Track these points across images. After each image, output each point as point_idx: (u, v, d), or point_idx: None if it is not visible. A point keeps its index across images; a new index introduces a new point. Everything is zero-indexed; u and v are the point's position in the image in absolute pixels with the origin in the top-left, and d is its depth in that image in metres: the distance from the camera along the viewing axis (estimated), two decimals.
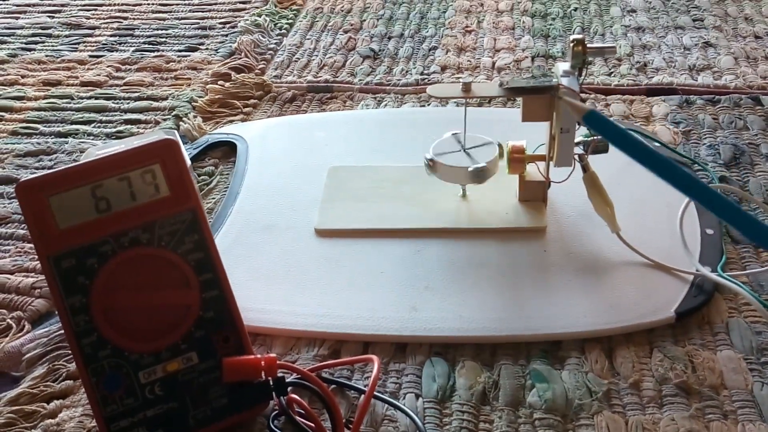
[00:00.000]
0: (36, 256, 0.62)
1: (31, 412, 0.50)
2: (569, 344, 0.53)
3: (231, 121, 0.83)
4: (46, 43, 1.03)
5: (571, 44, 0.57)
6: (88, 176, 0.46)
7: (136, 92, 0.89)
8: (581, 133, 0.60)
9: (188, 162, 0.51)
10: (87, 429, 0.49)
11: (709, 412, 0.48)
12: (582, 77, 0.58)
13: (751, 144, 0.73)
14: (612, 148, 0.60)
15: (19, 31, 1.07)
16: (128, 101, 0.87)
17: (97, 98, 0.88)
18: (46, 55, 0.99)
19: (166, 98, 0.87)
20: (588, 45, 0.57)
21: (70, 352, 0.53)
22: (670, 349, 0.52)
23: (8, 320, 0.58)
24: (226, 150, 0.77)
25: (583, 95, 0.58)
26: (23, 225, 0.68)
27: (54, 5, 1.15)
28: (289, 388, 0.48)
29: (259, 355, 0.47)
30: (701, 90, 0.83)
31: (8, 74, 0.95)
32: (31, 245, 0.65)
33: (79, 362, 0.45)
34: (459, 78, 0.88)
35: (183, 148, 0.49)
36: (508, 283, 0.57)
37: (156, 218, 0.46)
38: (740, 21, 0.97)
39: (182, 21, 1.08)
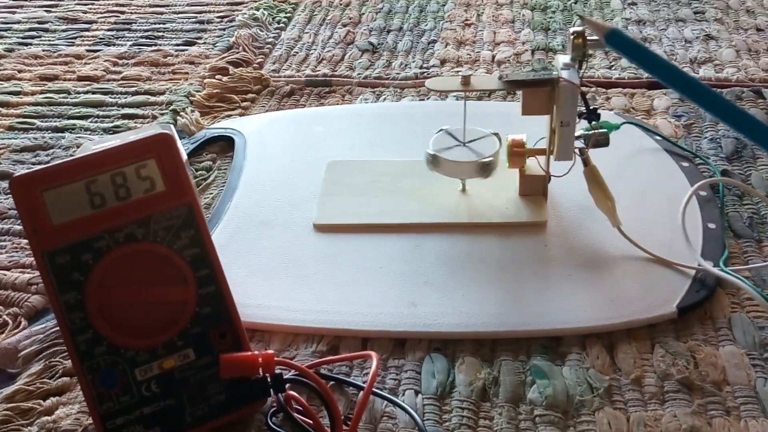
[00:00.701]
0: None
1: (27, 409, 0.50)
2: (570, 340, 0.52)
3: (229, 116, 0.82)
4: (43, 38, 1.02)
5: (572, 36, 0.56)
6: (83, 171, 0.45)
7: (133, 87, 0.89)
8: (582, 126, 0.59)
9: (184, 156, 0.51)
10: (83, 426, 0.48)
11: (712, 408, 0.47)
12: (582, 70, 0.57)
13: None
14: (612, 143, 0.60)
15: (15, 26, 1.06)
16: (125, 96, 0.87)
17: (94, 93, 0.88)
18: (43, 50, 0.99)
19: (163, 93, 0.87)
20: (588, 37, 0.56)
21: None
22: (672, 345, 0.52)
23: (4, 316, 0.58)
24: (224, 145, 0.77)
25: (584, 88, 0.57)
26: (20, 221, 0.67)
27: None
28: (287, 385, 0.48)
29: (256, 352, 0.47)
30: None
31: (5, 69, 0.94)
32: (27, 241, 0.65)
33: (74, 359, 0.44)
34: (458, 71, 0.87)
35: (179, 142, 0.48)
36: (508, 278, 0.57)
37: (151, 213, 0.46)
38: (742, 13, 0.97)
39: (180, 15, 1.07)
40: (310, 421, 0.46)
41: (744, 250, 0.59)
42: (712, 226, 0.60)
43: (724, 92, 0.79)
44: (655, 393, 0.48)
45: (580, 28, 0.56)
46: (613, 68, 0.86)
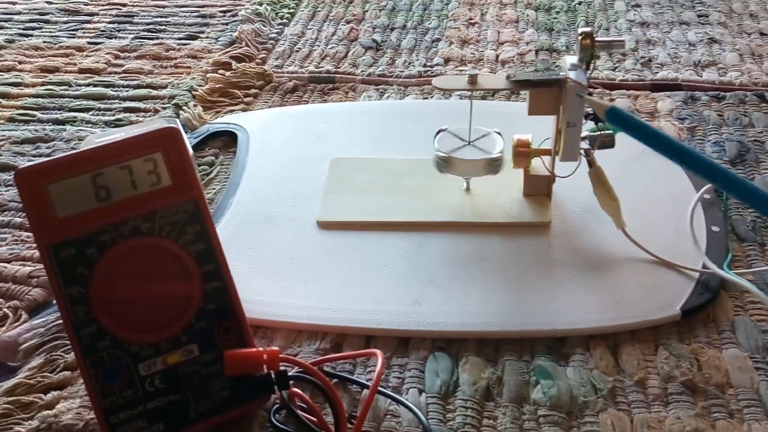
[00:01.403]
0: (34, 245, 0.61)
1: (28, 403, 0.50)
2: (574, 341, 0.52)
3: (231, 111, 0.82)
4: (44, 29, 1.02)
5: (580, 37, 0.56)
6: (89, 164, 0.45)
7: (135, 80, 0.88)
8: (587, 127, 0.59)
9: (190, 151, 0.50)
10: (85, 421, 0.48)
11: (715, 410, 0.47)
12: (590, 71, 0.57)
13: (756, 141, 0.73)
14: (618, 144, 0.60)
15: (16, 17, 1.06)
16: (127, 89, 0.86)
17: (95, 86, 0.87)
18: (44, 42, 0.98)
19: (165, 86, 0.86)
20: (596, 38, 0.56)
21: (67, 342, 0.52)
22: (676, 347, 0.52)
23: (5, 309, 0.57)
24: (227, 140, 0.76)
25: (590, 89, 0.57)
26: (21, 213, 0.67)
27: None
28: (291, 382, 0.48)
29: (260, 348, 0.46)
30: (706, 86, 0.82)
31: (5, 60, 0.93)
32: (29, 233, 0.64)
33: (77, 353, 0.44)
34: (462, 70, 0.87)
35: (185, 136, 0.48)
36: (512, 278, 0.57)
37: (157, 208, 0.45)
38: (745, 17, 0.97)
39: (182, 9, 1.07)
40: (314, 419, 0.46)
41: (747, 254, 0.59)
42: (715, 229, 0.60)
43: (728, 96, 0.79)
44: (659, 395, 0.49)
45: (588, 29, 0.56)
46: (617, 70, 0.86)
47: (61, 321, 0.52)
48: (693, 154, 0.44)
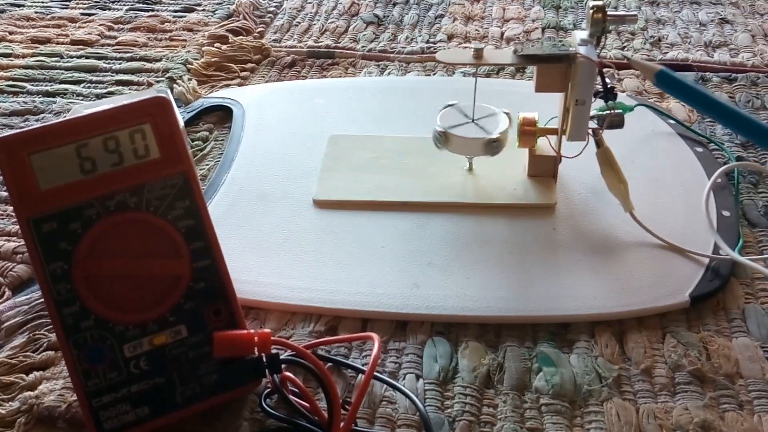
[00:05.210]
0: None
1: (9, 383, 0.48)
2: (578, 327, 0.50)
3: (227, 85, 0.79)
4: None
5: (591, 11, 0.54)
6: (73, 134, 0.42)
7: (128, 52, 0.85)
8: (596, 106, 0.57)
9: (181, 124, 0.48)
10: (67, 402, 0.46)
11: (724, 401, 0.45)
12: (601, 47, 0.55)
13: None
14: (627, 124, 0.58)
15: None
16: (120, 62, 0.84)
17: (87, 57, 0.85)
18: (36, 12, 0.95)
19: (159, 60, 0.84)
20: (608, 12, 0.53)
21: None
22: (684, 335, 0.50)
23: None
24: (222, 115, 0.74)
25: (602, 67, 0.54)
26: (5, 187, 0.65)
27: None
28: (283, 366, 0.46)
29: (252, 330, 0.44)
30: (717, 67, 0.80)
31: None
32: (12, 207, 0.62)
33: (59, 333, 0.42)
34: (466, 47, 0.84)
35: (175, 107, 0.46)
36: (515, 261, 0.55)
37: (145, 181, 0.43)
38: None
39: None
40: (307, 404, 0.44)
41: (759, 240, 0.57)
42: (726, 213, 0.58)
43: (739, 77, 0.77)
44: (666, 384, 0.47)
45: (599, 2, 0.53)
46: (625, 49, 0.83)
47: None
48: (752, 121, 0.41)
